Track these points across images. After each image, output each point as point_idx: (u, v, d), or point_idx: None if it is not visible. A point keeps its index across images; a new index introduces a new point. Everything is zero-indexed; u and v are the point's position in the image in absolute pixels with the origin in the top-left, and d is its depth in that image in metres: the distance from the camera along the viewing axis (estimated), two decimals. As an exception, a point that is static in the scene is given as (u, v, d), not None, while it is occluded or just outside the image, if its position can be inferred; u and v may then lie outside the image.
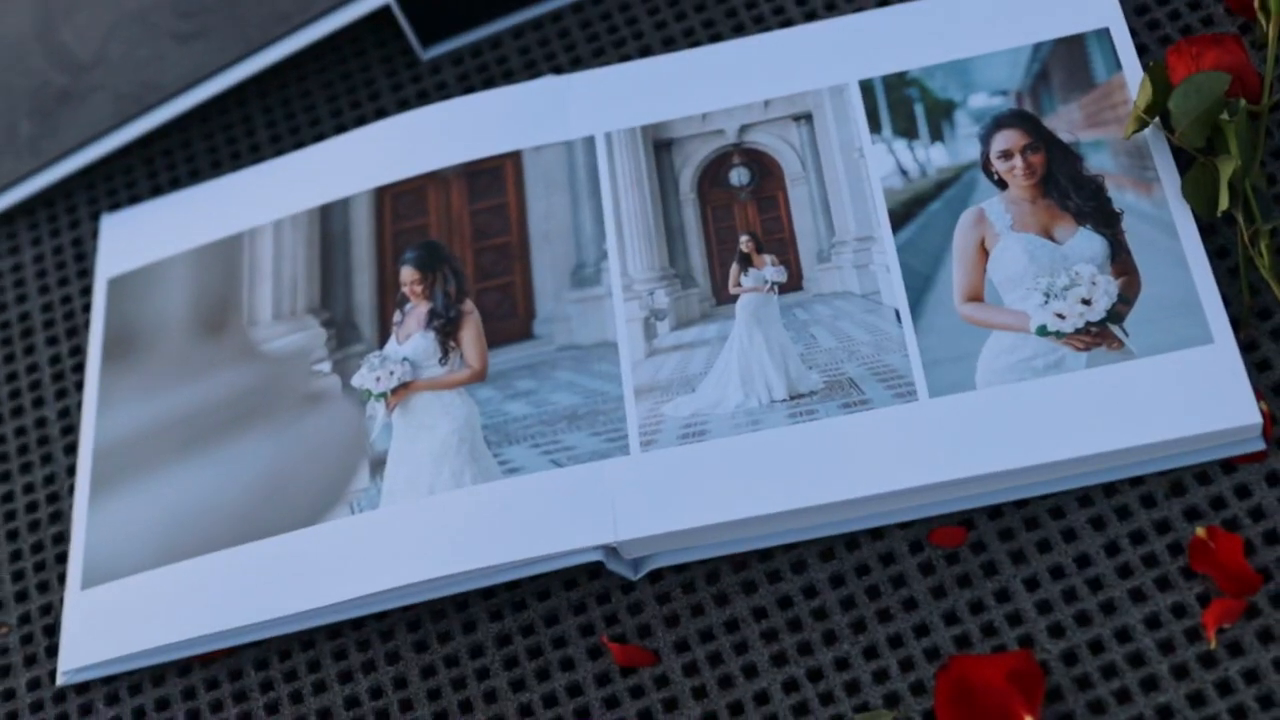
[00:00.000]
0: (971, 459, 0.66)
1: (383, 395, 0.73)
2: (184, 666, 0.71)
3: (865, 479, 0.66)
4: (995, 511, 0.67)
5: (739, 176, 0.75)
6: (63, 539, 0.76)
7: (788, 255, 0.73)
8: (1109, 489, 0.66)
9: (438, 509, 0.69)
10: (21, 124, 0.86)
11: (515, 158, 0.78)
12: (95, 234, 0.85)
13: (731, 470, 0.67)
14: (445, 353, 0.74)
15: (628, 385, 0.71)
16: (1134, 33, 0.76)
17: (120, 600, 0.72)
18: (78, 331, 0.82)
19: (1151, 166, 0.71)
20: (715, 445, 0.68)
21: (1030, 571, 0.65)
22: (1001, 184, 0.72)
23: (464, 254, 0.76)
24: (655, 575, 0.69)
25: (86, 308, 0.82)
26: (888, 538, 0.67)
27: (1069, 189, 0.71)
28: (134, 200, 0.85)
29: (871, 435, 0.67)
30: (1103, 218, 0.70)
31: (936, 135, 0.74)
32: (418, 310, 0.75)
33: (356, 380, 0.74)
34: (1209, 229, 0.70)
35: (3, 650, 0.74)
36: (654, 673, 0.67)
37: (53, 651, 0.73)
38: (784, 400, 0.69)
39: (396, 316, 0.75)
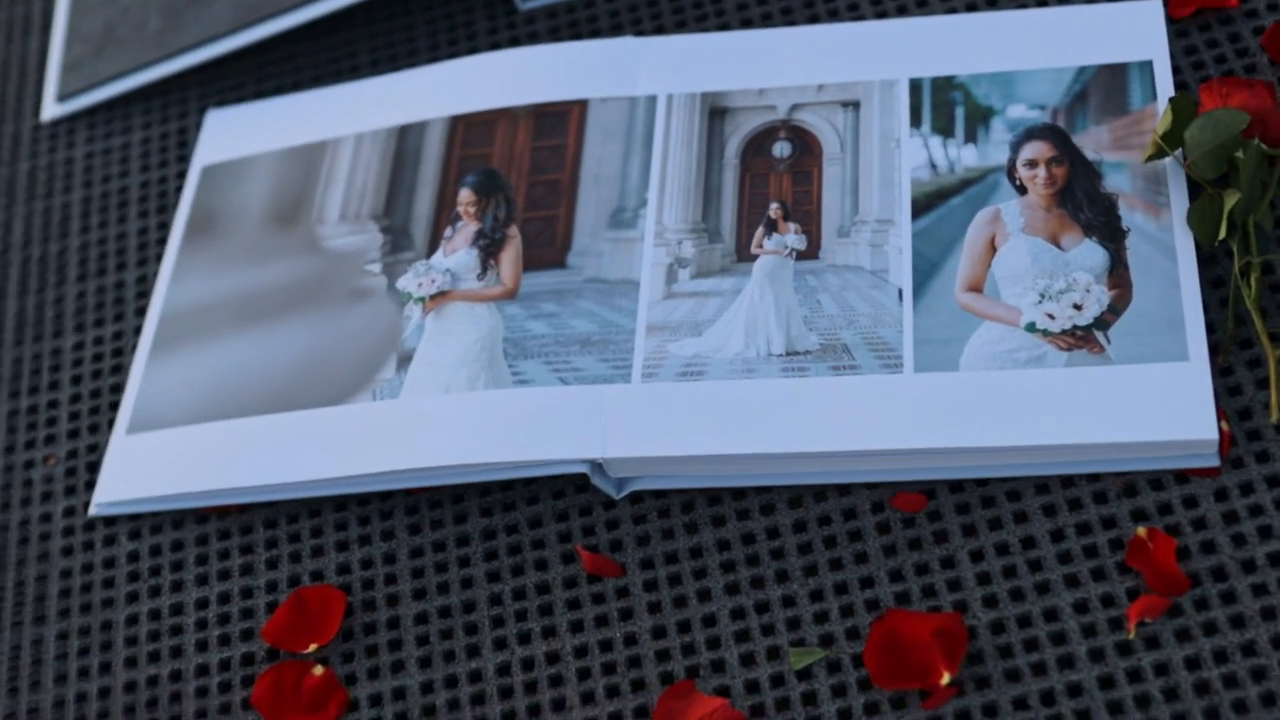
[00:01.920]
0: (942, 432, 0.70)
1: (421, 299, 0.79)
2: (202, 515, 0.78)
3: (842, 435, 0.71)
4: (957, 486, 0.71)
5: (781, 149, 0.80)
6: (119, 389, 0.83)
7: (811, 226, 0.77)
8: (1066, 481, 0.70)
9: (450, 405, 0.75)
10: (152, 19, 0.94)
11: (582, 106, 0.83)
12: (199, 126, 0.92)
13: (721, 409, 0.72)
14: (484, 269, 0.79)
15: (641, 321, 0.76)
16: (1178, 70, 0.79)
17: (157, 448, 0.79)
18: (166, 209, 0.89)
19: (1165, 193, 0.74)
20: (710, 385, 0.73)
21: (978, 544, 0.69)
22: (1022, 190, 0.76)
23: (519, 184, 0.82)
24: (636, 497, 0.74)
25: (178, 190, 0.90)
26: (853, 495, 0.72)
27: (1083, 202, 0.75)
28: (239, 100, 0.92)
29: (855, 397, 0.72)
30: (1109, 233, 0.74)
31: (971, 137, 0.78)
32: (467, 229, 0.81)
33: (401, 283, 0.80)
34: (1210, 259, 0.74)
35: (48, 478, 0.81)
36: (617, 584, 0.72)
37: (90, 486, 0.80)
38: (781, 355, 0.74)
39: (447, 232, 0.81)
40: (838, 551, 0.71)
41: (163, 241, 0.88)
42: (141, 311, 0.86)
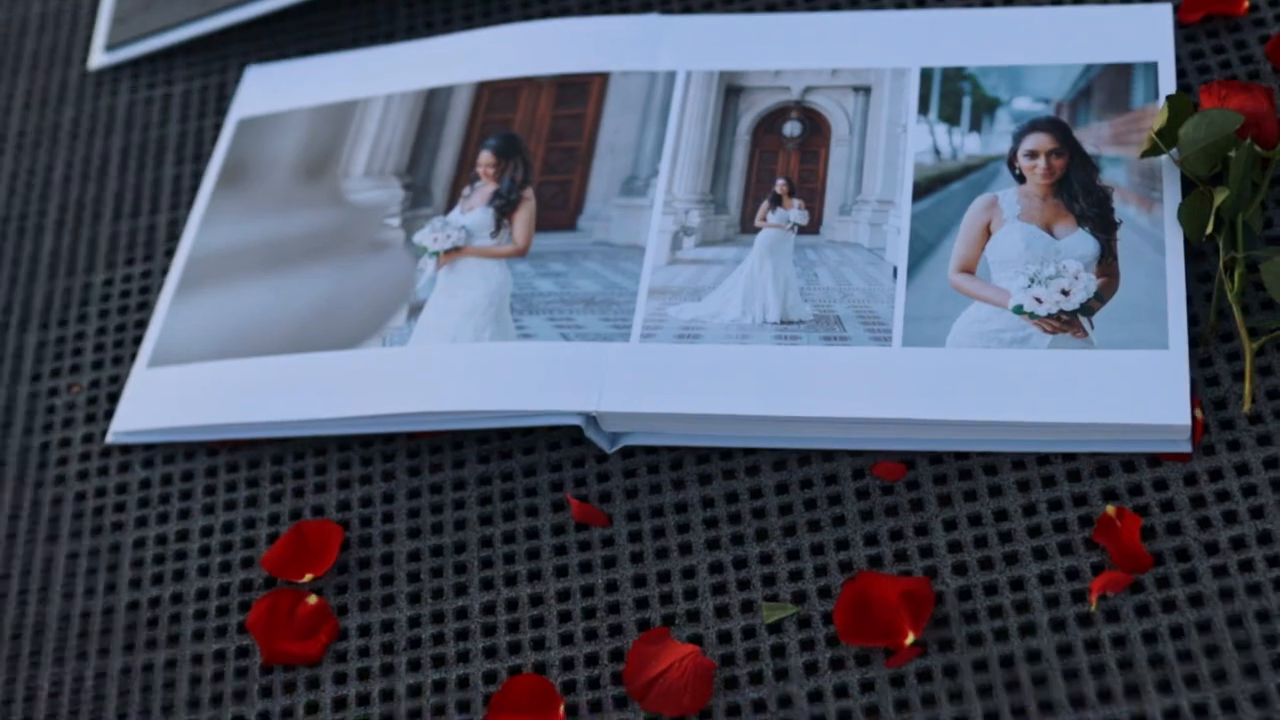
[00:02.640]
0: (926, 404, 0.72)
1: (436, 254, 0.82)
2: (212, 449, 0.81)
3: (828, 402, 0.73)
4: (937, 457, 0.73)
5: (792, 129, 0.83)
6: (143, 325, 0.86)
7: (814, 203, 0.80)
8: (1042, 458, 0.72)
9: (454, 354, 0.78)
10: (201, -24, 0.97)
11: (604, 78, 0.86)
12: (238, 81, 0.95)
13: (714, 371, 0.75)
14: (498, 228, 0.82)
15: (644, 284, 0.79)
16: (1182, 73, 0.81)
17: (175, 382, 0.82)
18: (201, 158, 0.92)
19: (1159, 188, 0.76)
20: (705, 348, 0.76)
21: (952, 514, 0.72)
22: (1021, 179, 0.78)
23: (537, 149, 0.85)
24: (628, 452, 0.76)
25: (214, 140, 0.93)
26: (836, 461, 0.74)
27: (1079, 193, 0.77)
28: (279, 58, 0.96)
29: (843, 367, 0.74)
30: (1102, 224, 0.76)
31: (975, 126, 0.80)
32: (485, 189, 0.84)
33: (418, 237, 0.83)
34: (1199, 254, 0.76)
35: (70, 405, 0.85)
36: (603, 533, 0.75)
37: (109, 415, 0.84)
38: (775, 323, 0.76)
39: (466, 191, 0.84)
40: (817, 514, 0.73)
41: (195, 188, 0.91)
42: (170, 253, 0.89)
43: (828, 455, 0.74)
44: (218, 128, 0.94)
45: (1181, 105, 0.76)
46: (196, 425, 0.80)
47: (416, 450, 0.79)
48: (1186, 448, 0.71)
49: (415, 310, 0.81)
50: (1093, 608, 0.68)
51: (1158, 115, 0.76)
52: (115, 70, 0.98)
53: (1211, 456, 0.71)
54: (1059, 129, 0.79)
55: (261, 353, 0.82)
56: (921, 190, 0.79)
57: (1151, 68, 0.80)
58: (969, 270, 0.76)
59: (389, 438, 0.80)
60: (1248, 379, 0.71)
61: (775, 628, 0.70)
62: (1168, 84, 0.79)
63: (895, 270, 0.77)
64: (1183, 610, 0.67)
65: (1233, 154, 0.74)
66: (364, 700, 0.72)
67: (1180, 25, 0.83)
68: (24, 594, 0.79)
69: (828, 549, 0.72)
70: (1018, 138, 0.80)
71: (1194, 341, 0.73)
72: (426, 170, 0.86)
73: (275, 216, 0.87)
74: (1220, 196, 0.73)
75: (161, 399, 0.82)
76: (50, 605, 0.78)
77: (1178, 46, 0.82)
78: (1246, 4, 0.82)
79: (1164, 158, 0.77)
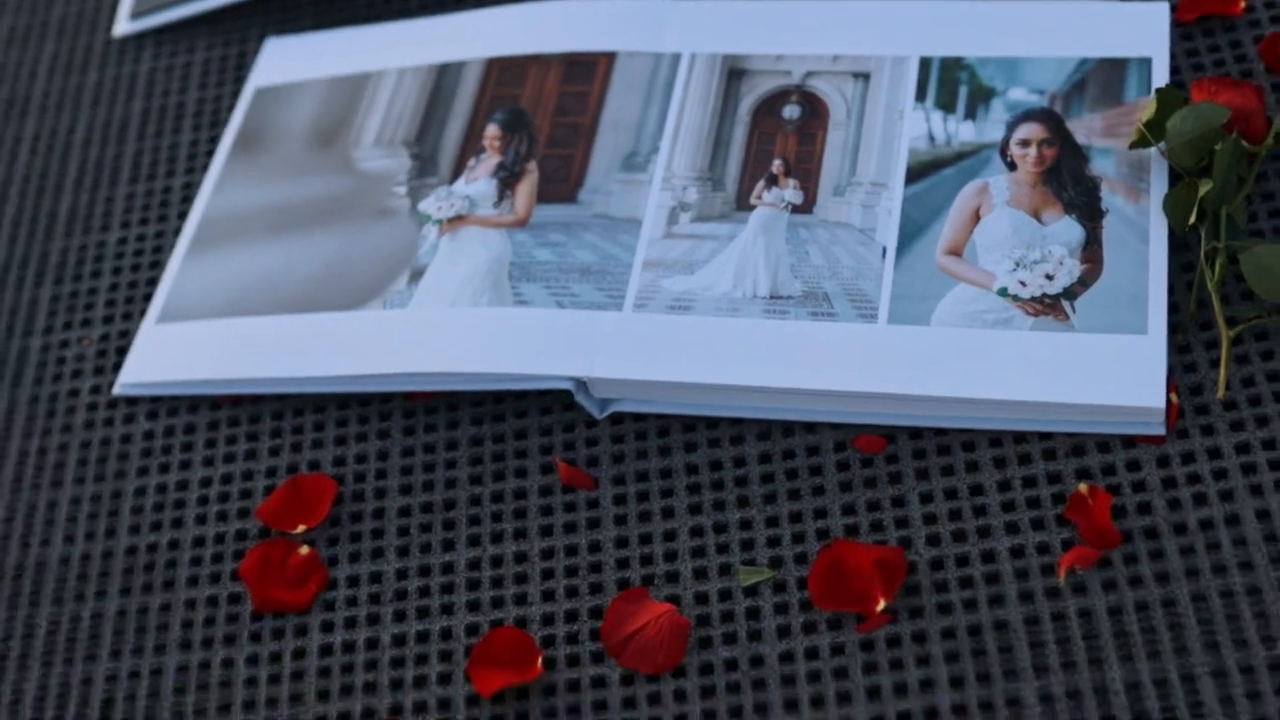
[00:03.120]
0: (908, 380, 0.74)
1: (439, 221, 0.84)
2: (215, 403, 0.83)
3: (813, 375, 0.75)
4: (916, 432, 0.75)
5: (791, 111, 0.84)
6: (154, 283, 0.89)
7: (809, 183, 0.82)
8: (1019, 437, 0.74)
9: (452, 318, 0.80)
10: (226, -50, 1.00)
11: (610, 57, 0.88)
12: (257, 51, 0.97)
13: (703, 342, 0.77)
14: (500, 198, 0.84)
15: (639, 257, 0.80)
16: (1176, 70, 0.83)
17: (183, 337, 0.84)
18: (218, 125, 0.95)
19: (1146, 180, 0.78)
20: (696, 320, 0.77)
21: (929, 488, 0.73)
22: (1012, 166, 0.80)
23: (542, 124, 0.87)
24: (616, 418, 0.78)
25: (231, 108, 0.95)
26: (818, 433, 0.76)
27: (1068, 182, 0.79)
28: (298, 31, 0.98)
29: (829, 342, 0.76)
30: (1089, 212, 0.78)
31: (970, 114, 0.82)
32: (490, 160, 0.86)
33: (423, 205, 0.85)
34: (1183, 244, 0.77)
35: (80, 357, 0.87)
36: (589, 496, 0.76)
37: (117, 368, 0.86)
38: (765, 298, 0.78)
39: (471, 162, 0.86)
40: (797, 484, 0.75)
41: (211, 154, 0.94)
42: (183, 215, 0.91)
43: (810, 427, 0.76)
44: (235, 96, 0.96)
45: (1171, 98, 0.77)
46: (201, 380, 0.82)
47: (412, 411, 0.81)
48: (1161, 430, 0.72)
49: (417, 275, 0.83)
50: (1061, 581, 0.69)
51: (1146, 108, 0.78)
52: (139, 38, 1.01)
53: (1185, 440, 0.72)
54: (1051, 119, 0.81)
55: (266, 312, 0.84)
56: (914, 174, 0.81)
57: (1146, 63, 0.82)
58: (956, 253, 0.78)
59: (386, 397, 0.82)
60: (1223, 366, 0.73)
61: (751, 591, 0.72)
62: (1161, 80, 0.81)
63: (884, 250, 0.78)
64: (1149, 587, 0.69)
65: (1219, 147, 0.75)
66: (349, 648, 0.74)
67: (1177, 24, 0.85)
68: (27, 536, 0.81)
69: (806, 517, 0.74)
70: (1011, 126, 0.81)
71: (1173, 328, 0.75)
72: (434, 141, 0.88)
73: (287, 182, 0.89)
74: (1205, 188, 0.75)
75: (169, 354, 0.84)
76: (52, 548, 0.80)
77: (1174, 45, 0.84)
78: (1243, 4, 0.84)
79: (1153, 149, 0.79)
